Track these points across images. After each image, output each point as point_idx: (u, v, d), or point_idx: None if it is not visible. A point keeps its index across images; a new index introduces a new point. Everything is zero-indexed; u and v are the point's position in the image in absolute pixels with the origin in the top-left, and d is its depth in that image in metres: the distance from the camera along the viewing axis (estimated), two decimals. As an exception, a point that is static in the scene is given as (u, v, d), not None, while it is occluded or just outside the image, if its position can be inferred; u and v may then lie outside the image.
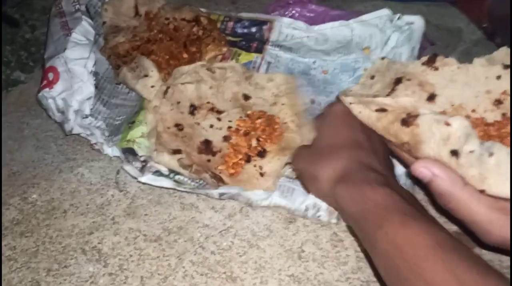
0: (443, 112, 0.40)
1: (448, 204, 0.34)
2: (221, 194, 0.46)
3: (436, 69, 0.42)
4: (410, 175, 0.38)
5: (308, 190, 0.45)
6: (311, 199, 0.44)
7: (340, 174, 0.40)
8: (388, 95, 0.41)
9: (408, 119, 0.36)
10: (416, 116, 0.36)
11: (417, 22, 0.57)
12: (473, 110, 0.40)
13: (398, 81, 0.42)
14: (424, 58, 0.42)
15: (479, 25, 0.71)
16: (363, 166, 0.39)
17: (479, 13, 0.71)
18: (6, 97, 0.59)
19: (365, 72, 0.47)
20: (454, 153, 0.33)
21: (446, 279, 0.29)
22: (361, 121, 0.41)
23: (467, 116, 0.40)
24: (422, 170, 0.34)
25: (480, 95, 0.40)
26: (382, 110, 0.39)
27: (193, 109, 0.53)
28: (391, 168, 0.44)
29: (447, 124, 0.34)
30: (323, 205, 0.44)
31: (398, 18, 0.59)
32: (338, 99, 0.46)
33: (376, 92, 0.43)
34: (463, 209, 0.33)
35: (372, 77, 0.45)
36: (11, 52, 0.63)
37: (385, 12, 0.60)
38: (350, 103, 0.42)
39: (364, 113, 0.40)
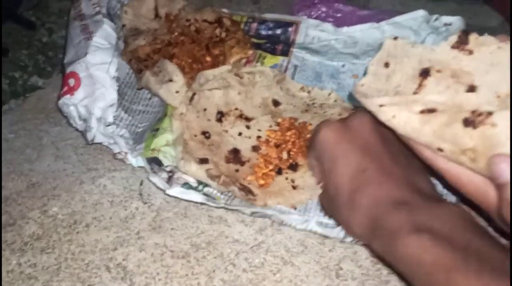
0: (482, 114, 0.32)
1: None
2: (254, 212, 0.43)
3: (471, 52, 0.33)
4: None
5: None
6: None
7: (368, 226, 0.34)
8: (416, 92, 0.34)
9: (474, 119, 0.29)
10: (489, 113, 0.29)
11: (455, 23, 0.54)
12: None
13: (425, 73, 0.34)
14: (453, 38, 0.33)
15: (512, 23, 0.67)
16: (384, 206, 0.33)
17: (513, 12, 0.68)
18: (23, 103, 0.56)
19: (374, 58, 0.38)
20: None
21: None
22: (384, 133, 0.34)
23: None
24: (504, 166, 0.27)
25: None
26: (430, 111, 0.31)
27: (220, 116, 0.51)
28: (432, 185, 0.38)
29: None
30: None
31: (436, 19, 0.55)
32: (319, 127, 0.39)
33: (397, 87, 0.35)
34: None
35: (387, 64, 0.37)
36: (28, 56, 0.60)
37: (420, 13, 0.57)
38: (381, 106, 0.34)
39: (400, 117, 0.32)
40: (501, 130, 0.28)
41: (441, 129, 0.31)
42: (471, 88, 0.32)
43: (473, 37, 0.33)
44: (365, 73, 0.38)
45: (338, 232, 0.41)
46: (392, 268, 0.36)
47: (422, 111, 0.32)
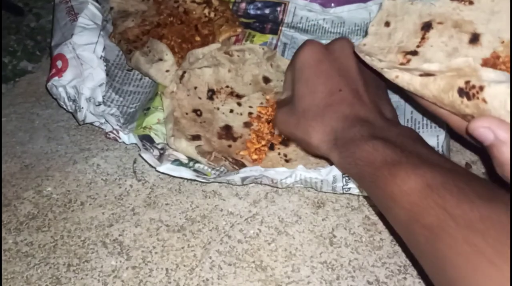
0: (494, 54, 0.33)
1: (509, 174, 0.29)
2: (243, 179, 0.44)
3: (471, 3, 0.35)
4: (452, 134, 0.33)
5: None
6: (337, 170, 0.41)
7: (331, 139, 0.38)
8: (419, 45, 0.34)
9: (468, 91, 0.29)
10: (481, 87, 0.28)
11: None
12: None
13: (427, 26, 0.35)
14: None
15: None
16: (350, 121, 0.37)
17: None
18: (13, 88, 0.56)
19: (374, 19, 0.38)
20: None
21: (440, 219, 0.27)
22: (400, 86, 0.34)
23: None
24: (483, 130, 0.28)
25: None
26: (428, 74, 0.31)
27: (211, 94, 0.51)
28: (395, 114, 0.42)
29: None
30: None
31: (422, -2, 0.56)
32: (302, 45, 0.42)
33: (399, 43, 0.36)
34: None
35: (387, 23, 0.37)
36: (17, 41, 0.60)
37: (408, -8, 0.57)
38: (382, 69, 0.35)
39: (403, 77, 0.33)
40: (493, 107, 0.28)
41: (440, 95, 0.31)
42: (475, 37, 0.33)
43: None
44: (366, 34, 0.38)
45: (327, 174, 0.41)
46: (349, 175, 0.39)
47: (421, 75, 0.32)
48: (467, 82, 0.29)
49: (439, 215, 0.27)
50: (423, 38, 0.35)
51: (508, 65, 0.32)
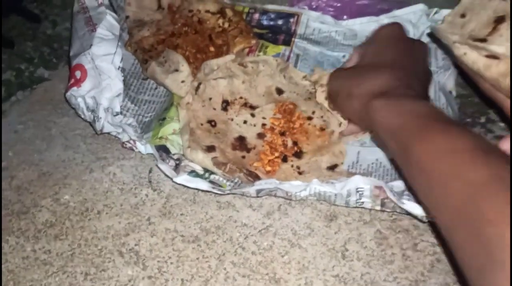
0: None
1: None
2: (258, 191, 0.44)
3: None
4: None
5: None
6: (352, 183, 0.42)
7: (378, 89, 0.39)
8: (489, 35, 0.38)
9: None
10: None
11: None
12: None
13: (500, 19, 0.38)
14: None
15: None
16: (404, 85, 0.39)
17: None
18: (30, 95, 0.57)
19: (452, 11, 0.43)
20: None
21: (485, 177, 0.27)
22: (465, 64, 0.38)
23: None
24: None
25: None
26: (494, 57, 0.35)
27: (226, 105, 0.52)
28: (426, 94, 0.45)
29: None
30: (366, 190, 0.42)
31: (435, 13, 0.56)
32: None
33: (471, 31, 0.40)
34: None
35: (463, 15, 0.42)
36: (33, 48, 0.61)
37: (420, 7, 0.58)
38: (454, 42, 0.38)
39: (470, 56, 0.36)
40: None
41: (499, 77, 0.35)
42: None
43: None
44: (442, 22, 0.42)
45: (341, 188, 0.42)
46: (380, 132, 0.39)
47: (488, 56, 0.36)
48: None
49: (484, 173, 0.27)
50: (494, 28, 0.38)
51: None
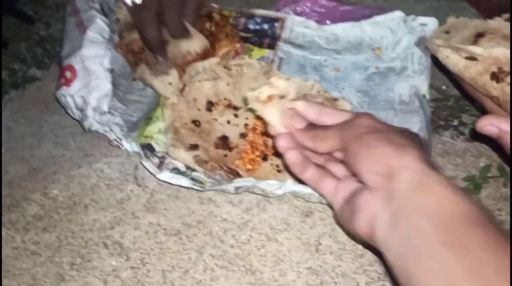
0: None
1: None
2: (237, 188, 0.47)
3: None
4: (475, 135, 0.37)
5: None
6: None
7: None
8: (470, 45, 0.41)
9: (498, 75, 0.36)
10: (508, 73, 0.35)
11: (430, 23, 0.57)
12: None
13: (480, 35, 0.42)
14: (506, 15, 0.44)
15: (489, 18, 0.71)
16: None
17: (488, 7, 0.72)
18: (23, 94, 0.59)
19: (437, 29, 0.48)
20: None
21: None
22: (447, 67, 0.42)
23: None
24: (489, 127, 0.33)
25: None
26: (472, 58, 0.39)
27: (210, 105, 0.54)
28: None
29: None
30: None
31: (413, 20, 0.59)
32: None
33: (455, 43, 0.44)
34: None
35: (447, 32, 0.46)
36: (27, 49, 0.63)
37: (398, 13, 0.60)
38: (439, 46, 0.42)
39: (452, 59, 0.40)
40: None
41: (476, 77, 0.39)
42: None
43: None
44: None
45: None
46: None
47: (467, 58, 0.40)
48: (499, 68, 0.37)
49: None
50: (475, 41, 0.42)
51: None
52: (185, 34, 0.56)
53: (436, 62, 0.52)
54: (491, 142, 0.40)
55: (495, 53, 0.38)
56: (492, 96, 0.37)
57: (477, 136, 0.39)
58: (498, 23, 0.43)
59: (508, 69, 0.35)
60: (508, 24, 0.42)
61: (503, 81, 0.35)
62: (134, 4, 0.53)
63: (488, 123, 0.33)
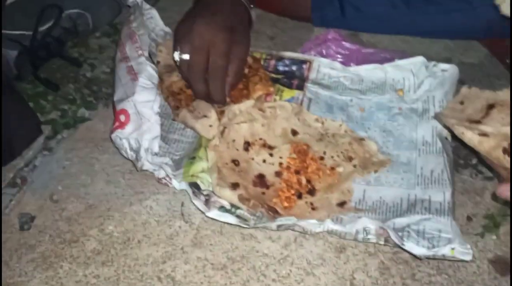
0: None
1: None
2: (279, 226, 0.51)
3: None
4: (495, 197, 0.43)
5: None
6: (360, 224, 0.49)
7: None
8: (483, 117, 0.47)
9: (508, 149, 0.41)
10: None
11: (450, 70, 0.62)
12: None
13: (491, 106, 0.47)
14: None
15: (501, 59, 0.76)
16: None
17: (501, 48, 0.77)
18: (74, 133, 0.64)
19: (453, 98, 0.53)
20: None
21: None
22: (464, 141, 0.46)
23: None
24: (507, 193, 0.40)
25: None
26: (484, 134, 0.43)
27: (247, 146, 0.59)
28: None
29: None
30: (372, 229, 0.49)
31: (434, 65, 0.64)
32: None
33: (469, 115, 0.49)
34: None
35: (461, 102, 0.50)
36: (75, 90, 0.69)
37: (420, 59, 0.65)
38: (453, 124, 0.47)
39: (467, 135, 0.45)
40: None
41: (490, 151, 0.43)
42: None
43: None
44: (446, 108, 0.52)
45: (351, 228, 0.49)
46: None
47: (479, 134, 0.44)
48: (510, 144, 0.41)
49: None
50: (487, 113, 0.47)
51: None
52: (224, 101, 0.62)
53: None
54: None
55: (504, 130, 0.43)
56: (505, 167, 0.42)
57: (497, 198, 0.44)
58: (506, 95, 0.47)
59: None
60: None
61: None
62: (182, 60, 0.58)
63: (507, 189, 0.40)
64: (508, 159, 0.41)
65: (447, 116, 0.49)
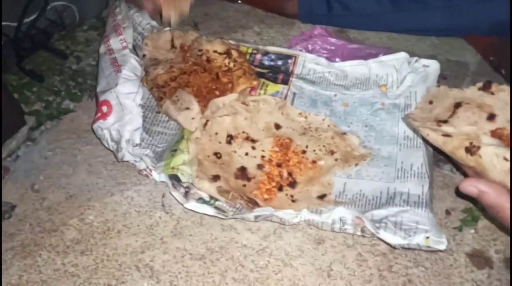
0: (503, 129, 0.45)
1: (497, 214, 0.39)
2: (256, 216, 0.52)
3: (492, 93, 0.47)
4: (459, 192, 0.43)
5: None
6: (336, 214, 0.50)
7: None
8: (450, 117, 0.47)
9: (471, 149, 0.41)
10: (478, 147, 0.41)
11: (432, 65, 0.63)
12: None
13: (458, 105, 0.48)
14: (480, 84, 0.49)
15: (485, 57, 0.77)
16: None
17: (486, 46, 0.77)
18: (58, 124, 0.64)
19: (422, 98, 0.54)
20: None
21: None
22: (430, 142, 0.47)
23: None
24: (470, 188, 0.40)
25: None
26: (447, 135, 0.44)
27: (230, 139, 0.59)
28: None
29: (505, 159, 0.39)
30: (348, 219, 0.49)
31: (416, 61, 0.65)
32: None
33: (437, 115, 0.49)
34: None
35: (431, 102, 0.51)
36: (60, 82, 0.69)
37: (403, 55, 0.66)
38: (418, 126, 0.47)
39: (432, 136, 0.45)
40: (485, 161, 0.40)
41: (454, 151, 0.43)
42: (491, 116, 0.46)
43: (494, 85, 0.48)
44: (415, 109, 0.52)
45: (327, 217, 0.50)
46: None
47: (443, 135, 0.45)
48: (471, 143, 0.42)
49: None
50: (453, 112, 0.47)
51: (508, 141, 0.44)
52: None
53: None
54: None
55: (465, 130, 0.44)
56: (470, 166, 0.43)
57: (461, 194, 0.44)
58: (472, 92, 0.48)
59: (477, 144, 0.41)
60: (482, 93, 0.47)
61: (475, 154, 0.41)
62: None
63: (469, 184, 0.40)
64: (471, 157, 0.41)
65: (414, 118, 0.50)
